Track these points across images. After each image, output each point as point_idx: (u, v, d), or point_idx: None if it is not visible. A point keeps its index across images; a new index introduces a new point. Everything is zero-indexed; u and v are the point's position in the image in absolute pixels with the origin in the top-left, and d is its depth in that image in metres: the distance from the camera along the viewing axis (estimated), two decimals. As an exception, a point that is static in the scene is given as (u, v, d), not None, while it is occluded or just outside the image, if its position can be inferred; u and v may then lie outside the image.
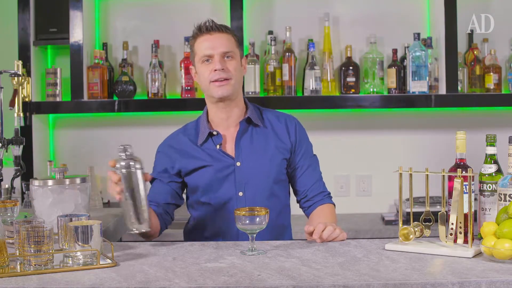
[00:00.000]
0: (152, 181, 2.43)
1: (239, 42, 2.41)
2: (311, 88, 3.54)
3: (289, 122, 2.44)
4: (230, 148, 2.38)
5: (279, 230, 2.40)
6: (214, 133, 2.38)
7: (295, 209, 2.53)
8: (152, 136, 3.77)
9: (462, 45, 3.61)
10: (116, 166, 2.04)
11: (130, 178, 2.03)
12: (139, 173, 2.04)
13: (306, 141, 2.46)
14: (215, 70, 2.29)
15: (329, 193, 2.47)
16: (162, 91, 3.60)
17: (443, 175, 1.99)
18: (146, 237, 2.31)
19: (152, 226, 2.27)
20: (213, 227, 2.37)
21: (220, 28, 2.33)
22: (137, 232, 2.06)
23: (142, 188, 2.04)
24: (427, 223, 2.02)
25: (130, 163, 2.05)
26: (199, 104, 3.50)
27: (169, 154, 2.42)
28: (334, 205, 2.45)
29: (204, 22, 2.35)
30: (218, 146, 2.37)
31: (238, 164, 2.35)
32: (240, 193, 2.34)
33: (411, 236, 1.98)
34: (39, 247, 1.80)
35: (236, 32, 3.45)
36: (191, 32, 3.67)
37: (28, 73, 3.53)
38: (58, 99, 3.62)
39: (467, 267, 1.76)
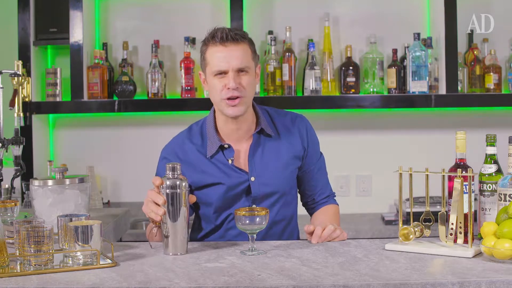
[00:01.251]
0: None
1: (254, 49, 2.23)
2: (311, 88, 3.54)
3: (301, 126, 2.33)
4: (243, 163, 2.26)
5: (288, 238, 2.34)
6: (226, 146, 2.24)
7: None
8: (152, 136, 3.80)
9: (462, 45, 3.62)
10: (162, 185, 1.96)
11: (175, 199, 1.96)
12: (185, 195, 1.97)
13: (316, 142, 2.38)
14: (228, 88, 2.14)
15: (334, 194, 2.44)
16: (162, 91, 3.60)
17: (443, 175, 1.99)
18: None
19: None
20: (226, 239, 2.29)
21: (235, 38, 2.14)
22: (172, 255, 1.97)
23: (185, 211, 1.97)
24: (427, 223, 2.02)
25: (177, 182, 1.96)
26: (199, 104, 3.52)
27: (175, 160, 2.26)
28: (337, 204, 2.44)
29: (218, 29, 2.15)
30: (230, 161, 2.24)
31: (252, 179, 2.24)
32: (254, 206, 2.25)
33: (411, 236, 1.98)
34: (39, 247, 1.80)
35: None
36: (191, 32, 3.67)
37: (28, 73, 3.53)
38: (58, 99, 3.63)
39: (467, 267, 1.76)
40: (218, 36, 2.14)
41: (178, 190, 1.96)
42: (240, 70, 2.16)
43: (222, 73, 2.15)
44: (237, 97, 2.15)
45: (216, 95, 2.18)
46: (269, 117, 2.33)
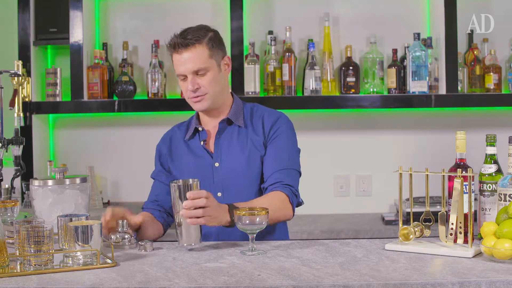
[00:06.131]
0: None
1: (215, 46, 2.31)
2: (311, 88, 3.54)
3: (266, 117, 2.38)
4: (211, 146, 2.38)
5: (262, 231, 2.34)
6: (200, 128, 2.39)
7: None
8: (152, 136, 3.77)
9: (462, 45, 3.61)
10: (172, 184, 2.04)
11: (187, 190, 2.01)
12: (196, 186, 2.03)
13: (282, 132, 2.35)
14: (188, 90, 2.30)
15: (289, 185, 2.26)
16: (162, 91, 3.60)
17: (443, 175, 1.99)
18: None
19: (155, 233, 2.30)
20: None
21: (187, 44, 2.26)
22: (186, 245, 2.02)
23: None
24: (427, 223, 2.02)
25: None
26: (199, 104, 3.52)
27: (163, 150, 2.45)
28: (288, 196, 2.24)
29: (173, 37, 2.30)
30: (202, 142, 2.38)
31: (216, 164, 2.34)
32: (219, 194, 2.32)
33: (411, 236, 1.98)
34: (39, 247, 1.80)
35: (237, 31, 3.48)
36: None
37: (28, 73, 3.53)
38: (58, 99, 3.63)
39: (467, 267, 1.76)
40: (172, 45, 2.32)
41: (190, 181, 2.03)
42: (197, 72, 2.29)
43: (183, 76, 2.31)
44: (199, 96, 2.31)
45: (184, 95, 2.36)
46: (247, 111, 2.42)
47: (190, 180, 2.04)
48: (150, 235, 2.25)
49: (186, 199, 1.98)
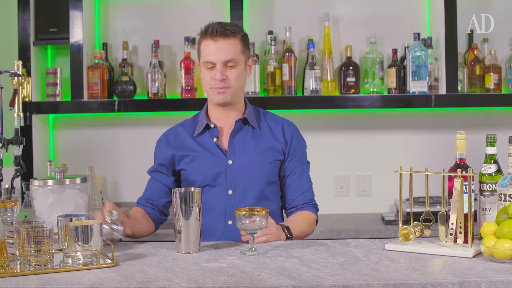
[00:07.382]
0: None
1: (246, 45, 2.38)
2: (311, 88, 3.54)
3: (286, 126, 2.45)
4: (225, 144, 2.40)
5: None
6: (212, 125, 2.40)
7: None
8: (152, 136, 3.77)
9: (462, 45, 3.61)
10: (174, 192, 2.03)
11: (188, 197, 2.00)
12: (197, 195, 2.02)
13: (301, 147, 2.47)
14: (216, 79, 2.31)
15: (315, 203, 2.48)
16: (162, 91, 3.60)
17: (443, 175, 1.99)
18: (135, 237, 2.32)
19: (147, 229, 2.32)
20: (202, 224, 2.34)
21: (225, 33, 2.31)
22: (184, 253, 2.01)
23: (197, 211, 2.02)
24: (427, 223, 2.02)
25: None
26: (199, 104, 3.48)
27: (165, 146, 2.45)
28: (316, 215, 2.46)
29: (211, 24, 2.33)
30: (215, 139, 2.39)
31: (230, 162, 2.36)
32: (230, 191, 2.35)
33: (411, 236, 1.98)
34: (39, 247, 1.80)
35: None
36: (191, 32, 3.68)
37: (28, 73, 3.53)
38: (58, 99, 3.63)
39: (467, 267, 1.76)
40: (209, 31, 2.33)
41: (192, 188, 2.03)
42: (228, 63, 2.31)
43: (211, 65, 2.32)
44: (223, 87, 2.32)
45: (206, 84, 2.38)
46: (258, 113, 2.47)
47: (192, 188, 2.05)
48: (142, 230, 2.30)
49: (188, 206, 1.99)
